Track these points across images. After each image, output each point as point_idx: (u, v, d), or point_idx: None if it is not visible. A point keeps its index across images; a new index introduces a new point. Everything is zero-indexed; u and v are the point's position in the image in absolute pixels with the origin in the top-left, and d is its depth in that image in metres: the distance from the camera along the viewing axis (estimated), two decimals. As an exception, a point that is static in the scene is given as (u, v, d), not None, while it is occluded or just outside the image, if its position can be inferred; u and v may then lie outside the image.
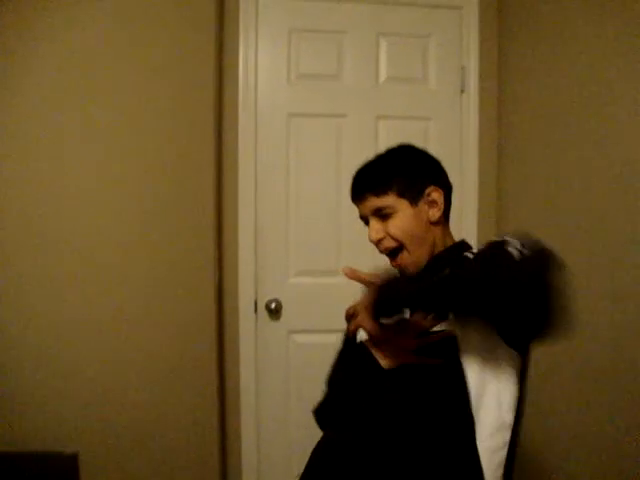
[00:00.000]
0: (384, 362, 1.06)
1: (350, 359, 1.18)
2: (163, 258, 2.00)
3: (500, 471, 1.02)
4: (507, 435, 1.02)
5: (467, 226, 2.23)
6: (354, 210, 2.32)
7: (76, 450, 1.95)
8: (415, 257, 1.13)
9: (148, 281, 2.00)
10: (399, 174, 1.15)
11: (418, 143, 2.22)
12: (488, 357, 1.01)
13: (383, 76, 2.29)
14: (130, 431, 2.01)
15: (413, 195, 1.14)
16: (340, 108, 2.27)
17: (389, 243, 1.14)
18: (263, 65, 2.23)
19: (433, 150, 2.25)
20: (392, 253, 1.15)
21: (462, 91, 2.31)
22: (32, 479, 1.81)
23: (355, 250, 2.26)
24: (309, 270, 2.25)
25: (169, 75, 1.99)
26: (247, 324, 2.23)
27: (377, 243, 1.16)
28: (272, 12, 2.22)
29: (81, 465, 1.95)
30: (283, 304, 2.26)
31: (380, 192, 1.14)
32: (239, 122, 2.20)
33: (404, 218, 1.13)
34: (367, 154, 2.24)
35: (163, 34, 1.99)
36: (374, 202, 1.14)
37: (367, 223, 1.18)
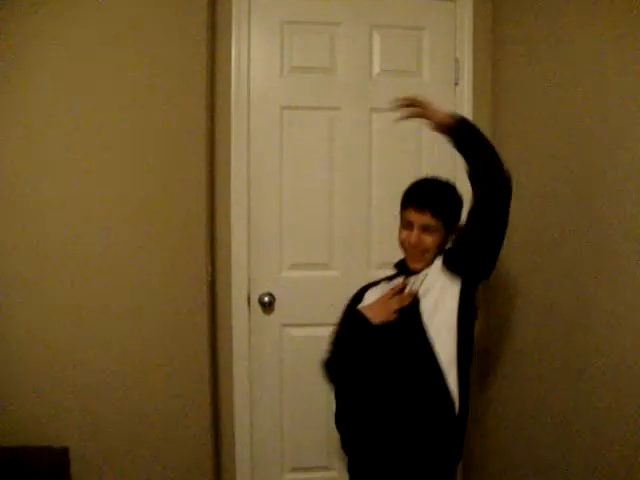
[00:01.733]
0: (377, 320, 1.52)
1: (348, 322, 1.65)
2: (155, 252, 2.00)
3: (454, 367, 1.47)
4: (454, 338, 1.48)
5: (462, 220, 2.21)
6: (347, 203, 2.33)
7: (66, 444, 1.95)
8: (428, 260, 1.56)
9: (139, 276, 1.99)
10: (450, 210, 1.56)
11: (412, 135, 2.28)
12: (438, 306, 1.48)
13: (377, 69, 2.27)
14: (121, 424, 2.01)
15: (450, 228, 1.57)
16: (333, 101, 2.26)
17: (419, 247, 1.54)
18: (256, 58, 2.22)
19: (427, 143, 2.30)
20: (417, 251, 1.55)
21: (456, 83, 2.30)
22: (22, 474, 1.80)
23: (348, 243, 2.27)
24: (302, 264, 2.24)
25: (161, 68, 1.98)
26: (240, 318, 2.23)
27: (409, 243, 1.55)
28: (265, 4, 2.21)
29: (72, 459, 1.95)
30: (276, 298, 2.25)
31: (435, 216, 1.52)
32: (232, 115, 2.19)
33: (438, 238, 1.55)
34: (360, 147, 2.28)
35: (155, 26, 1.98)
36: (427, 220, 1.52)
37: (408, 226, 1.55)
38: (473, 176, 1.45)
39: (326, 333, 2.25)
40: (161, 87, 1.98)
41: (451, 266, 1.51)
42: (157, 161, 1.99)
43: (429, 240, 1.53)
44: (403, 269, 1.63)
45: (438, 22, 2.29)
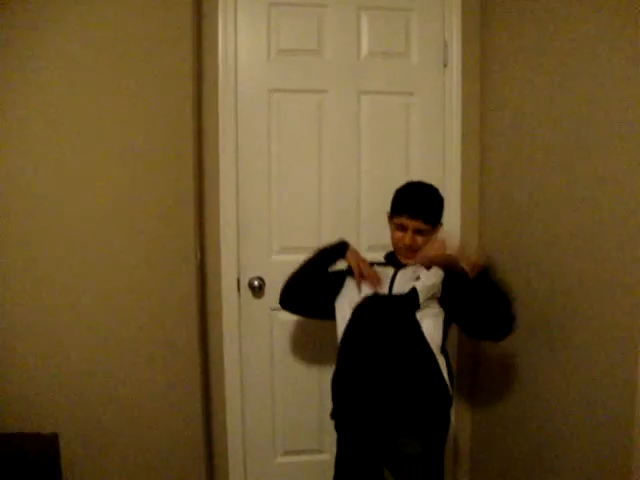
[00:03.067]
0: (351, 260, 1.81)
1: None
2: (142, 237, 1.98)
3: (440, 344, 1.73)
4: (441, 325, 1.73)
5: (450, 199, 2.20)
6: (336, 186, 2.32)
7: (56, 430, 1.94)
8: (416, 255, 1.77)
9: (127, 261, 1.98)
10: (437, 215, 1.80)
11: (401, 117, 2.27)
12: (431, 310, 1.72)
13: (365, 51, 2.26)
14: (112, 410, 2.01)
15: (436, 229, 1.79)
16: (321, 84, 2.24)
17: (413, 246, 1.75)
18: (243, 41, 2.19)
19: (416, 125, 2.29)
20: (410, 250, 1.76)
21: (445, 65, 2.29)
22: (12, 460, 1.79)
23: (336, 226, 2.26)
24: (292, 247, 2.23)
25: (145, 53, 1.95)
26: (230, 302, 2.22)
27: (404, 244, 1.75)
28: (251, -14, 2.18)
29: (61, 445, 1.95)
30: (266, 282, 2.25)
31: (427, 222, 1.74)
32: (219, 99, 2.17)
33: (428, 239, 1.76)
34: (349, 129, 2.27)
35: (138, 10, 1.94)
36: (420, 225, 1.73)
37: (401, 228, 1.76)
38: (479, 317, 1.65)
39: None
40: (147, 74, 1.95)
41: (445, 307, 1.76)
42: (144, 146, 1.97)
43: (421, 240, 1.75)
44: (393, 262, 1.82)
45: (426, 3, 2.27)
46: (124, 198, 1.97)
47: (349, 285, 1.82)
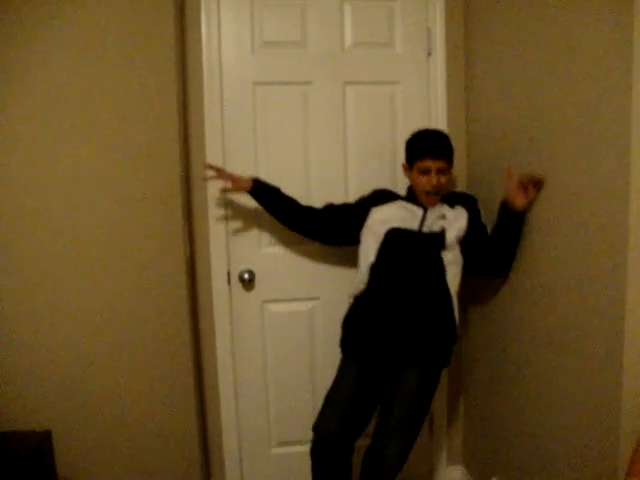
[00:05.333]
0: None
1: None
2: (130, 233, 1.99)
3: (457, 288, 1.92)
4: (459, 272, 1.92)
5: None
6: (323, 178, 2.32)
7: (49, 427, 1.95)
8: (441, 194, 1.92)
9: (114, 259, 1.99)
10: (452, 154, 1.91)
11: (386, 107, 2.27)
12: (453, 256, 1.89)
13: (349, 41, 2.26)
14: (105, 406, 2.02)
15: (451, 167, 1.93)
16: (306, 75, 2.24)
17: (438, 187, 1.86)
18: (226, 34, 2.19)
19: (402, 113, 2.30)
20: (435, 192, 1.87)
21: (429, 54, 2.29)
22: (5, 458, 1.79)
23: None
24: (281, 239, 2.24)
25: (129, 50, 1.95)
26: (221, 296, 2.23)
27: (431, 186, 1.85)
28: (233, -21, 2.18)
29: (55, 442, 1.95)
30: (256, 274, 2.25)
31: (448, 161, 1.88)
32: (204, 93, 2.17)
33: (449, 176, 1.93)
34: (335, 120, 2.26)
35: (120, 4, 1.94)
36: (442, 164, 1.86)
37: (425, 172, 1.85)
38: (498, 253, 1.88)
39: (307, 308, 2.29)
40: (130, 66, 1.95)
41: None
42: (130, 141, 1.97)
43: (444, 179, 1.87)
44: (417, 203, 1.92)
45: (409, -8, 2.27)
46: (110, 194, 1.97)
47: (373, 216, 1.93)
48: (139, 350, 2.03)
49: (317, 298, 2.30)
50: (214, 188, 2.18)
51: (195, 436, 2.11)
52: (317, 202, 2.25)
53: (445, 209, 1.90)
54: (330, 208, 2.04)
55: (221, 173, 2.04)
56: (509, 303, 1.97)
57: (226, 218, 2.21)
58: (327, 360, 2.30)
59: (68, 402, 1.99)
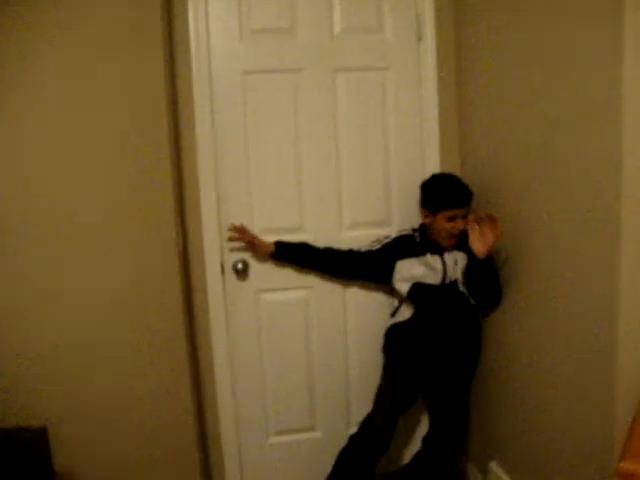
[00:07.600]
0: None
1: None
2: (122, 224, 1.97)
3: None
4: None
5: (429, 174, 2.20)
6: (315, 165, 2.32)
7: (45, 424, 1.94)
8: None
9: (108, 254, 1.97)
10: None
11: (377, 93, 2.26)
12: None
13: (338, 28, 2.24)
14: (101, 400, 2.01)
15: None
16: (296, 63, 2.22)
17: (461, 231, 1.99)
18: (215, 22, 2.16)
19: (392, 99, 2.29)
20: (458, 235, 2.01)
21: (419, 39, 2.28)
22: (1, 455, 1.78)
23: (317, 205, 2.26)
24: (273, 228, 2.23)
25: (115, 40, 1.92)
26: (215, 286, 2.22)
27: (458, 231, 1.99)
28: (220, -34, 2.15)
29: (51, 438, 1.94)
30: (250, 264, 2.25)
31: (468, 206, 2.01)
32: (193, 83, 2.14)
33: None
34: (325, 107, 2.26)
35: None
36: (466, 211, 1.99)
37: (452, 219, 1.98)
38: (481, 295, 2.06)
39: (302, 296, 2.29)
40: (117, 58, 1.92)
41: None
42: (119, 131, 1.94)
43: (465, 223, 1.98)
44: (435, 249, 2.06)
45: (397, -23, 2.25)
46: (101, 187, 1.95)
47: (399, 270, 2.10)
48: (134, 343, 2.02)
49: (310, 287, 2.30)
50: (205, 179, 2.17)
51: (192, 428, 2.11)
52: (310, 189, 2.26)
53: (459, 256, 2.05)
54: (361, 256, 2.16)
55: (244, 235, 2.15)
56: (509, 293, 1.98)
57: (218, 208, 2.20)
58: (322, 348, 2.32)
59: (64, 398, 1.98)
